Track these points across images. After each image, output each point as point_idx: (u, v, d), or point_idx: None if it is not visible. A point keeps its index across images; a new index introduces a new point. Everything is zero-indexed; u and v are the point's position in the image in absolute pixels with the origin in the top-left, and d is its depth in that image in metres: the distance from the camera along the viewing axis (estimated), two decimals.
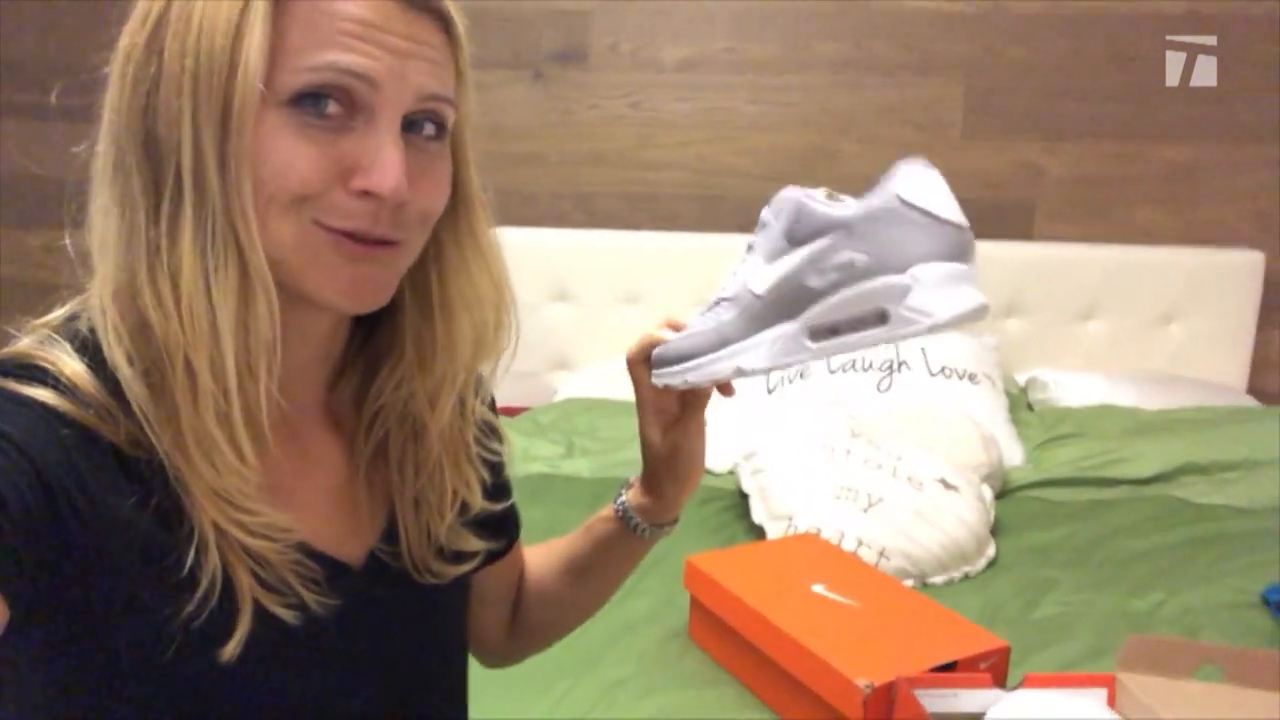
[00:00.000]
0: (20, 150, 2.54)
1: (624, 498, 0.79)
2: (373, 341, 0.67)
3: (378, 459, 0.69)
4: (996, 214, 2.45)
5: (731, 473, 1.83)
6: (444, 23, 0.58)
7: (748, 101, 2.47)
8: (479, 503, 0.71)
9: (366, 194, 0.55)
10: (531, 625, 0.87)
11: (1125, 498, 1.79)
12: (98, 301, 0.56)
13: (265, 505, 0.58)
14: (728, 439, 1.93)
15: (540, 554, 0.87)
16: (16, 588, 0.49)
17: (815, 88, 2.44)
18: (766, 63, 2.44)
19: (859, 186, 2.48)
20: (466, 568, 0.71)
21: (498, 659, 0.89)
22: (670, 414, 0.74)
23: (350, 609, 0.63)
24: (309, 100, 0.54)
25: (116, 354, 0.55)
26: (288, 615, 0.59)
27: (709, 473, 1.92)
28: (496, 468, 0.76)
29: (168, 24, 0.54)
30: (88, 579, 0.53)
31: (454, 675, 0.77)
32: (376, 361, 0.67)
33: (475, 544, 0.71)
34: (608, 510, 0.80)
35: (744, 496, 1.72)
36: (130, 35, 0.55)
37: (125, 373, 0.54)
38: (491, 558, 0.76)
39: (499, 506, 0.75)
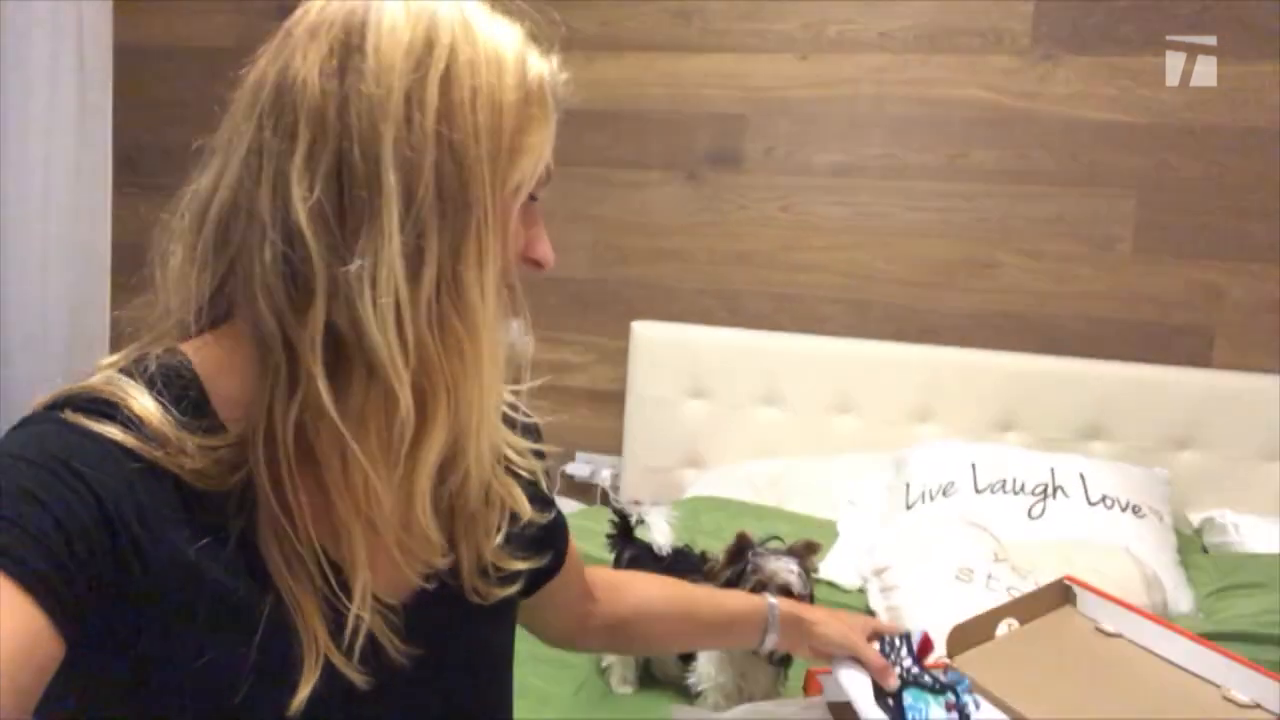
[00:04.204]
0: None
1: (773, 609, 0.96)
2: None
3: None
4: (1170, 338, 2.29)
5: (861, 590, 1.73)
6: None
7: (903, 208, 2.43)
8: (528, 511, 0.73)
9: (535, 263, 0.66)
10: (624, 639, 1.00)
11: None
12: (308, 337, 0.56)
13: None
14: (859, 554, 1.83)
15: (663, 593, 0.98)
16: (76, 624, 0.50)
17: (974, 196, 2.38)
18: (923, 169, 2.40)
19: (1017, 298, 2.39)
20: (513, 590, 0.72)
21: (556, 640, 0.95)
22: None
23: (415, 650, 0.63)
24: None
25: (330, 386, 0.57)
26: (359, 679, 0.59)
27: (836, 587, 1.82)
28: (533, 483, 0.78)
29: (455, 82, 0.57)
30: (148, 616, 0.53)
31: (504, 697, 0.77)
32: None
33: (518, 564, 0.72)
34: (752, 607, 0.96)
35: (872, 614, 1.61)
36: (400, 75, 0.56)
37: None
38: (539, 578, 0.80)
39: (545, 518, 0.77)
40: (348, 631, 0.58)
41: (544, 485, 0.80)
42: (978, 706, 0.91)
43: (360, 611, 0.58)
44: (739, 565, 1.23)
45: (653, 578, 1.02)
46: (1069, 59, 2.28)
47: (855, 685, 0.91)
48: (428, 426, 0.58)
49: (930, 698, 0.90)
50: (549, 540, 0.80)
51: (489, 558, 0.69)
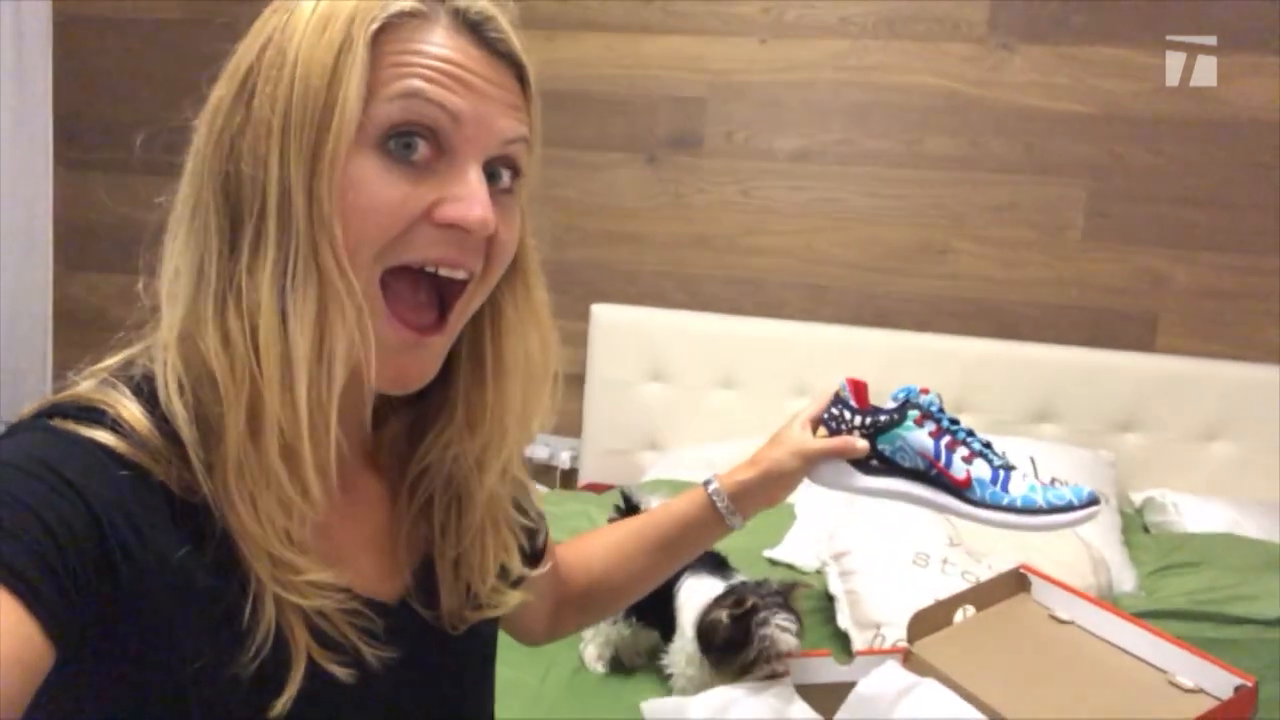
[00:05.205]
0: (110, 200, 2.68)
1: (716, 492, 0.89)
2: (425, 400, 0.68)
3: (415, 512, 0.69)
4: (1116, 322, 2.35)
5: (819, 572, 1.76)
6: (520, 71, 0.60)
7: (859, 194, 2.45)
8: (519, 568, 0.72)
9: (453, 226, 0.56)
10: (597, 604, 0.94)
11: (1247, 639, 1.64)
12: (161, 345, 0.57)
13: (313, 561, 0.57)
14: (818, 538, 1.87)
15: (608, 541, 0.93)
16: (66, 629, 0.49)
17: (929, 183, 2.41)
18: (880, 156, 2.43)
19: (970, 284, 2.43)
20: (499, 612, 0.72)
21: (542, 640, 0.94)
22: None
23: (395, 656, 0.63)
24: (399, 140, 0.55)
25: (173, 398, 0.55)
26: (342, 673, 0.59)
27: (795, 569, 1.86)
28: (532, 532, 0.77)
29: (259, 71, 0.55)
30: (136, 622, 0.53)
31: (487, 693, 0.77)
32: (426, 420, 0.68)
33: (513, 599, 0.72)
34: (695, 502, 0.90)
35: (830, 598, 1.65)
36: (221, 87, 0.57)
37: (181, 417, 0.55)
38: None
39: (537, 572, 0.76)
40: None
41: (540, 538, 0.80)
42: (936, 400, 0.90)
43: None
44: (742, 629, 1.19)
45: (598, 530, 0.97)
46: (1024, 48, 2.32)
47: (843, 478, 0.89)
48: (231, 444, 0.55)
49: (899, 430, 0.88)
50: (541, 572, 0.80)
51: (484, 599, 0.69)
